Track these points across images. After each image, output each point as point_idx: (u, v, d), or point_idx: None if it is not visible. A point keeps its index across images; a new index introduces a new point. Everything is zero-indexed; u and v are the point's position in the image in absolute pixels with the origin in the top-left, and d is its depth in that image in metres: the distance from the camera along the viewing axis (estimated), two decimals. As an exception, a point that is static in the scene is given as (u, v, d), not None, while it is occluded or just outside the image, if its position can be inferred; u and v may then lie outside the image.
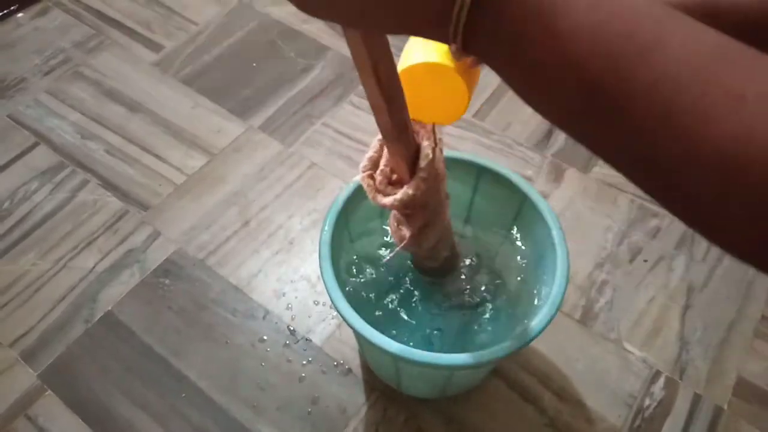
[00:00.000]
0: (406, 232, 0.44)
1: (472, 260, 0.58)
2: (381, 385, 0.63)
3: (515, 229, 0.58)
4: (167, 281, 0.71)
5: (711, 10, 0.30)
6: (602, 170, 0.80)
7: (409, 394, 0.62)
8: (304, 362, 0.65)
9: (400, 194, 0.38)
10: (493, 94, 0.88)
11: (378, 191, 0.40)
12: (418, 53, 0.33)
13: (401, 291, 0.58)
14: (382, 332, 0.44)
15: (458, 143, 0.82)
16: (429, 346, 0.54)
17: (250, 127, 0.85)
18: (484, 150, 0.82)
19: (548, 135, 0.84)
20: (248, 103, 0.88)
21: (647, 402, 0.62)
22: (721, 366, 0.64)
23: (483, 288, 0.57)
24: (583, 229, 0.74)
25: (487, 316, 0.56)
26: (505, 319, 0.55)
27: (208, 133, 0.85)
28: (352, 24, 0.25)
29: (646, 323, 0.67)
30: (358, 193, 0.53)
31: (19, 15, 1.00)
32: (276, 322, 0.67)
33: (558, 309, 0.45)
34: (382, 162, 0.40)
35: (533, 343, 0.44)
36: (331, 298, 0.46)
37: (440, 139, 0.39)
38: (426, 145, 0.38)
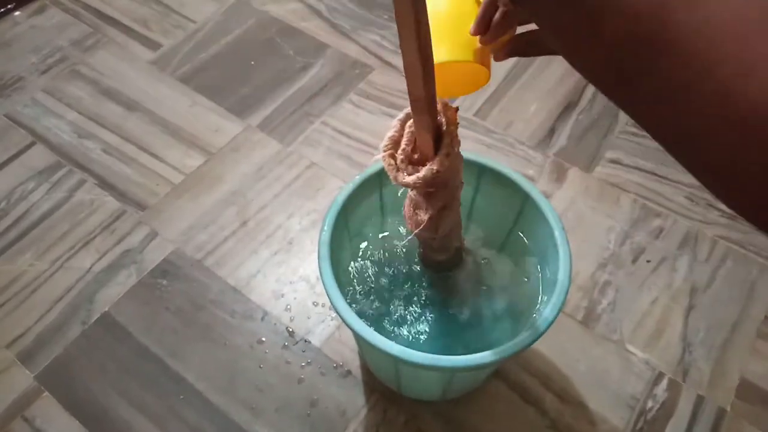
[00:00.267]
0: (424, 216, 0.44)
1: (474, 259, 0.57)
2: (381, 386, 0.62)
3: (517, 229, 0.57)
4: (165, 282, 0.70)
5: None
6: (605, 170, 0.79)
7: (409, 396, 0.61)
8: (303, 364, 0.64)
9: (424, 171, 0.39)
10: (495, 93, 0.87)
11: (399, 170, 0.41)
12: (440, 49, 0.36)
13: (401, 291, 0.57)
14: (382, 333, 0.43)
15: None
16: (429, 348, 0.53)
17: (248, 126, 0.84)
18: (486, 149, 0.82)
19: (550, 134, 0.83)
20: (246, 102, 0.87)
21: (650, 404, 0.62)
22: (724, 367, 0.64)
23: (484, 288, 0.57)
24: (586, 229, 0.74)
25: (489, 316, 0.55)
26: (506, 321, 0.55)
27: (206, 132, 0.84)
28: None
29: (648, 324, 0.67)
30: (358, 192, 0.52)
31: (16, 13, 0.99)
32: (275, 323, 0.67)
33: (560, 310, 0.45)
34: (404, 141, 0.41)
35: (535, 345, 0.44)
36: (330, 298, 0.45)
37: (458, 122, 0.40)
38: (449, 122, 0.39)
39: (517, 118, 0.85)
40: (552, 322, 0.44)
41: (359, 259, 0.58)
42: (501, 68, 0.91)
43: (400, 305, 0.57)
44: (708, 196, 0.75)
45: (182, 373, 0.64)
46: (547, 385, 0.63)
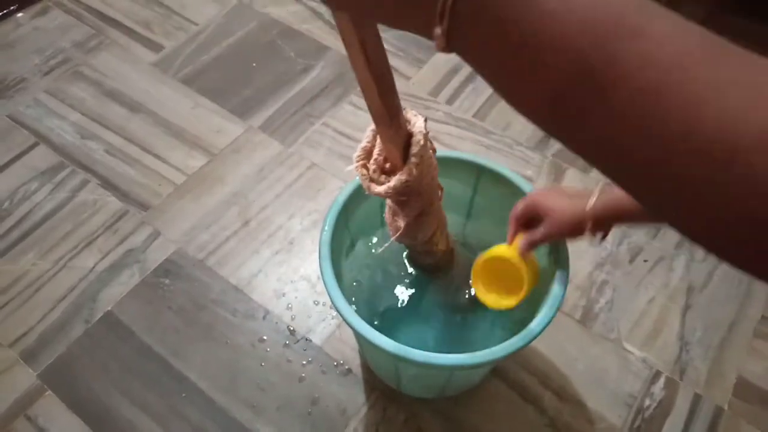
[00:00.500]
0: (401, 223, 0.44)
1: (471, 260, 0.58)
2: (381, 385, 0.63)
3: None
4: (167, 281, 0.71)
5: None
6: (602, 170, 0.80)
7: (409, 394, 0.62)
8: (304, 362, 0.64)
9: (393, 181, 0.39)
10: (494, 94, 0.88)
11: (372, 180, 0.41)
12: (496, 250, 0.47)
13: (401, 291, 0.58)
14: (382, 332, 0.44)
15: (458, 143, 0.82)
16: (429, 346, 0.54)
17: (250, 128, 0.85)
18: (484, 150, 0.82)
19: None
20: (248, 103, 0.88)
21: (647, 402, 0.62)
22: (721, 366, 0.64)
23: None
24: (583, 229, 0.74)
25: (487, 315, 0.56)
26: (505, 319, 0.55)
27: (208, 133, 0.85)
28: (342, 7, 0.25)
29: (646, 323, 0.67)
30: (358, 193, 0.53)
31: (19, 15, 1.00)
32: (276, 322, 0.67)
33: (558, 309, 0.45)
34: (375, 151, 0.41)
35: (533, 343, 0.44)
36: (331, 297, 0.46)
37: (428, 131, 0.40)
38: (417, 131, 0.38)
39: (516, 119, 0.85)
40: (550, 322, 0.45)
41: (359, 259, 0.58)
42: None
43: (400, 304, 0.57)
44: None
45: (184, 371, 0.64)
46: (545, 384, 0.63)
